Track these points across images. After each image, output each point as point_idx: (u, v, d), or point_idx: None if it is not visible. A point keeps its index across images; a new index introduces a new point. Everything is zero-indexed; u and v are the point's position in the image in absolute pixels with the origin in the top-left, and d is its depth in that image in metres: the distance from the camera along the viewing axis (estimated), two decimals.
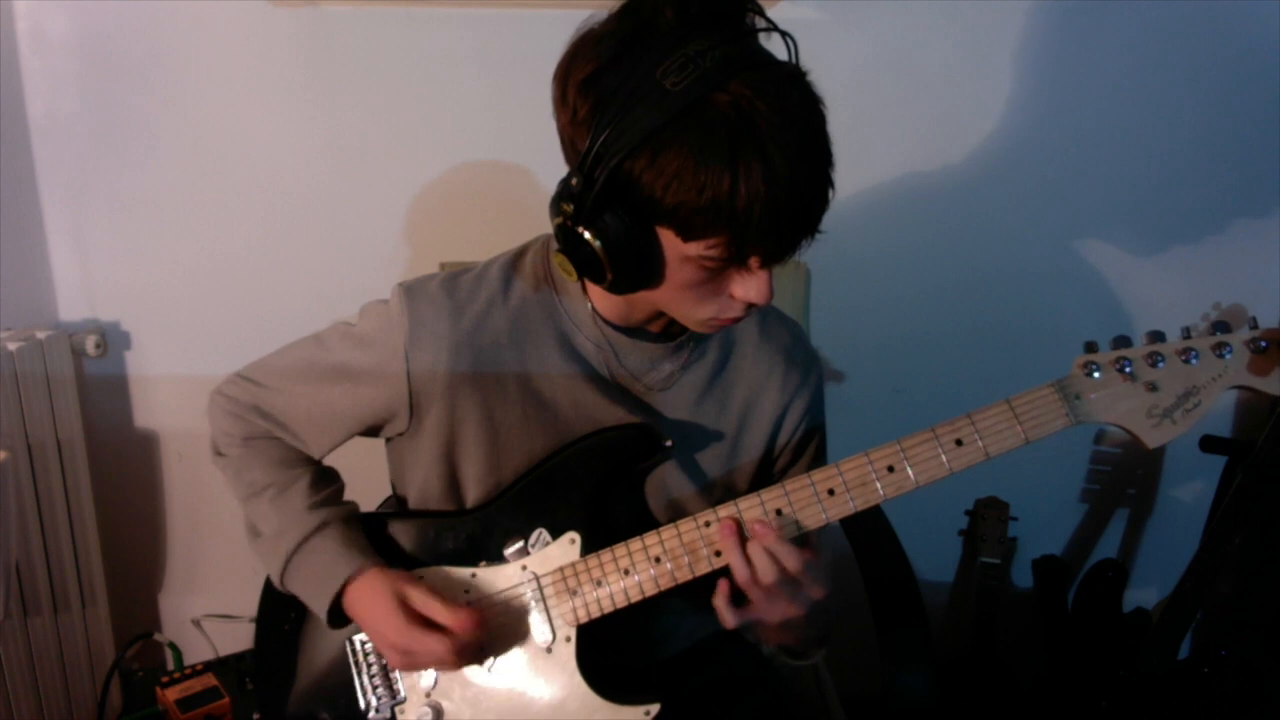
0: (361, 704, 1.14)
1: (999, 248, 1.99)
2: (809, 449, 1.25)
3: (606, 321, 1.13)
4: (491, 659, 1.11)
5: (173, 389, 2.02)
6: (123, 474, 2.06)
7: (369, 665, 1.15)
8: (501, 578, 1.11)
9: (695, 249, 0.94)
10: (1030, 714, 2.00)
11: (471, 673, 1.12)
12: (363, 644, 1.16)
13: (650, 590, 1.07)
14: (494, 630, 1.10)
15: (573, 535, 1.10)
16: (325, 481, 1.19)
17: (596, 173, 0.91)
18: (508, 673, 1.10)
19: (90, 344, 1.90)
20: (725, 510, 1.06)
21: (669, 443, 1.11)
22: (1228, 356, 0.97)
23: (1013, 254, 1.99)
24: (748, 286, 0.98)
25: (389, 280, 1.17)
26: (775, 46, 0.95)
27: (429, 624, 1.06)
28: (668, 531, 1.07)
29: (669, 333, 1.15)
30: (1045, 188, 1.95)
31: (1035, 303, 2.02)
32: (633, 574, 1.08)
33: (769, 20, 0.94)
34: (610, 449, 1.12)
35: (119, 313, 1.98)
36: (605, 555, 1.09)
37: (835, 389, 1.29)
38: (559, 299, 1.13)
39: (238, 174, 1.90)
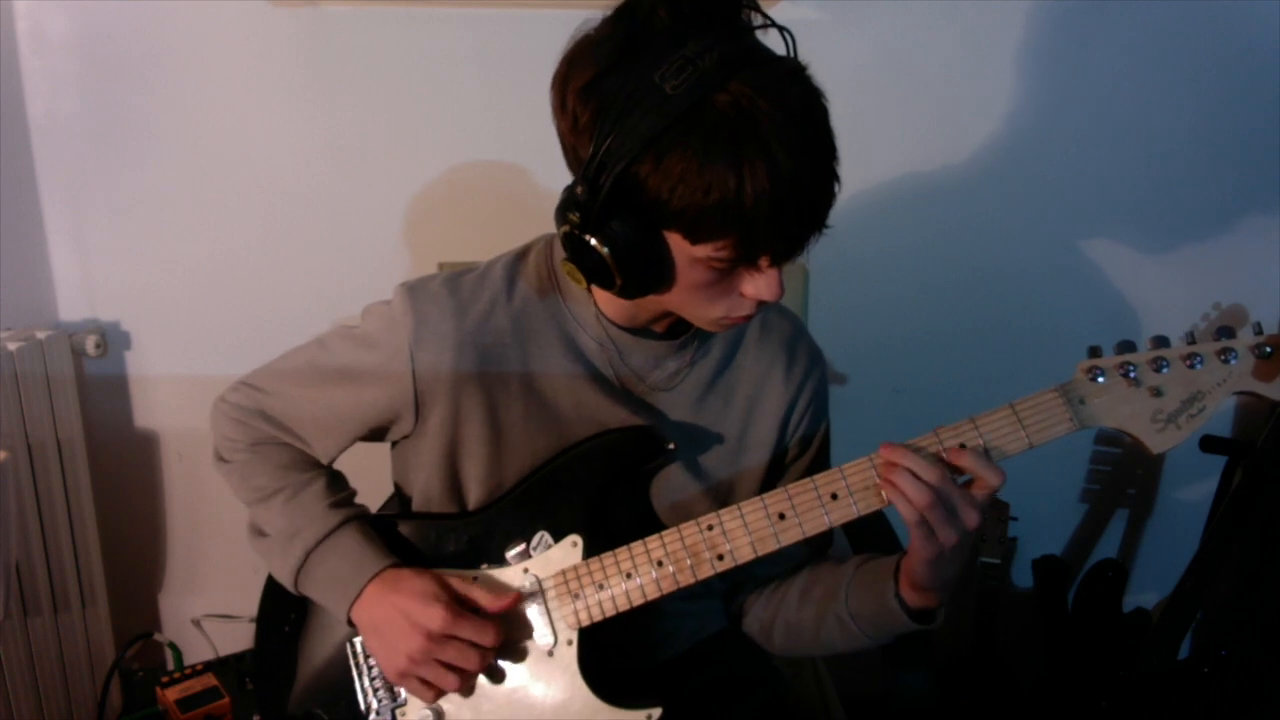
0: (362, 705, 1.14)
1: (999, 248, 1.99)
2: (815, 441, 1.24)
3: (611, 321, 1.13)
4: (493, 661, 1.11)
5: (173, 389, 2.02)
6: (123, 474, 2.06)
7: (370, 667, 1.15)
8: (503, 581, 1.11)
9: (704, 251, 0.93)
10: (1030, 714, 2.00)
11: None
12: (363, 645, 1.15)
13: (652, 593, 1.07)
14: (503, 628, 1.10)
15: (575, 538, 1.10)
16: (339, 485, 1.19)
17: (601, 180, 0.91)
18: (509, 676, 1.10)
19: (90, 344, 1.89)
20: (728, 514, 1.05)
21: (672, 445, 1.11)
22: (1232, 362, 0.97)
23: (1013, 254, 2.00)
24: (758, 285, 0.98)
25: (388, 280, 1.16)
26: (775, 44, 0.94)
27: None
28: (670, 534, 1.07)
29: (673, 331, 1.15)
30: (1045, 187, 1.95)
31: (1035, 303, 2.02)
32: (635, 577, 1.08)
33: (766, 16, 0.94)
34: (613, 452, 1.12)
35: (119, 313, 1.98)
36: (607, 558, 1.08)
37: (835, 389, 1.29)
38: (563, 299, 1.13)
39: (238, 174, 1.90)
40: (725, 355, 1.19)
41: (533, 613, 1.09)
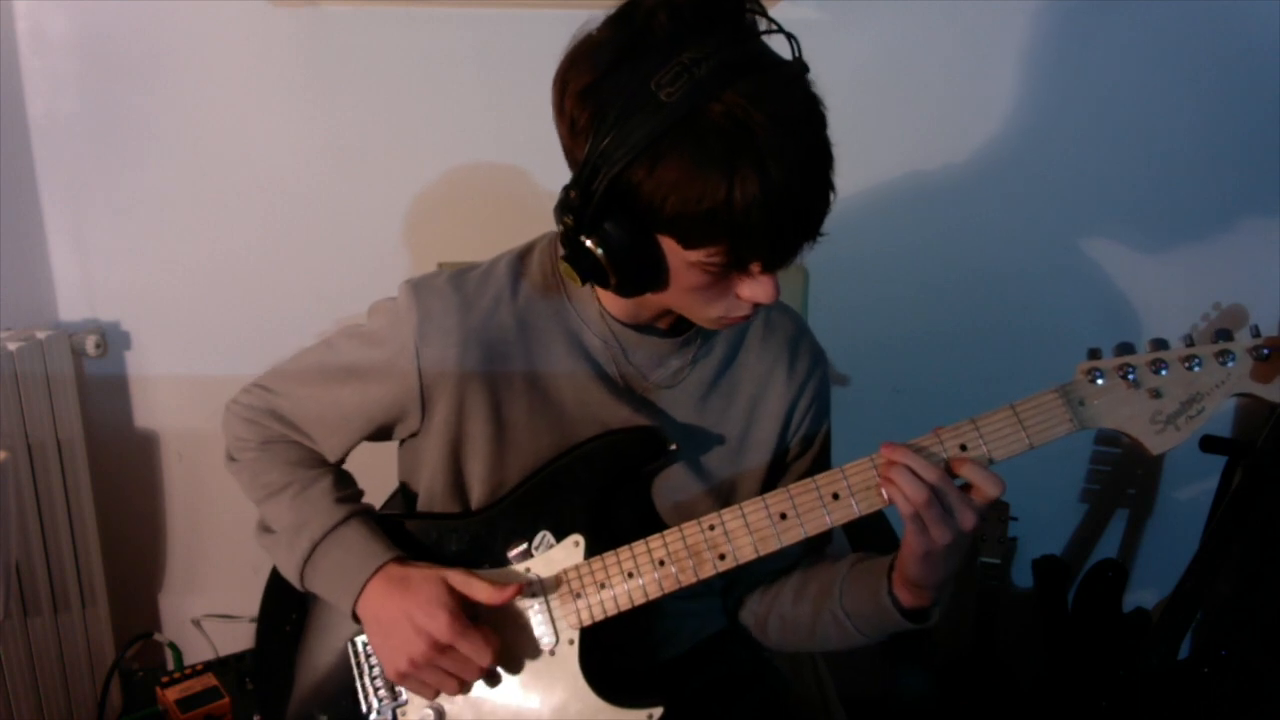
0: (363, 706, 1.14)
1: (999, 248, 1.99)
2: (817, 440, 1.25)
3: (614, 318, 1.13)
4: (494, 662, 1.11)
5: (173, 389, 2.02)
6: (123, 474, 2.06)
7: (370, 666, 1.15)
8: (505, 580, 1.11)
9: (697, 256, 0.94)
10: (1030, 714, 2.00)
11: None
12: (364, 645, 1.15)
13: (654, 593, 1.08)
14: (497, 633, 1.10)
15: (577, 538, 1.10)
16: (346, 483, 1.19)
17: (595, 183, 0.91)
18: (511, 676, 1.10)
19: (90, 344, 1.89)
20: (729, 514, 1.06)
21: (674, 446, 1.12)
22: (1230, 364, 0.97)
23: (1013, 254, 2.00)
24: (754, 288, 0.98)
25: (388, 280, 1.16)
26: (779, 44, 0.94)
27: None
28: (672, 534, 1.07)
29: (677, 328, 1.15)
30: (1045, 187, 1.95)
31: (1035, 303, 2.02)
32: (636, 577, 1.08)
33: (771, 20, 0.94)
34: (615, 453, 1.12)
35: (119, 313, 1.98)
36: (609, 558, 1.09)
37: (835, 389, 1.29)
38: (566, 296, 1.14)
39: (238, 174, 1.90)
40: (728, 353, 1.19)
41: (534, 612, 1.10)
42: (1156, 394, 0.98)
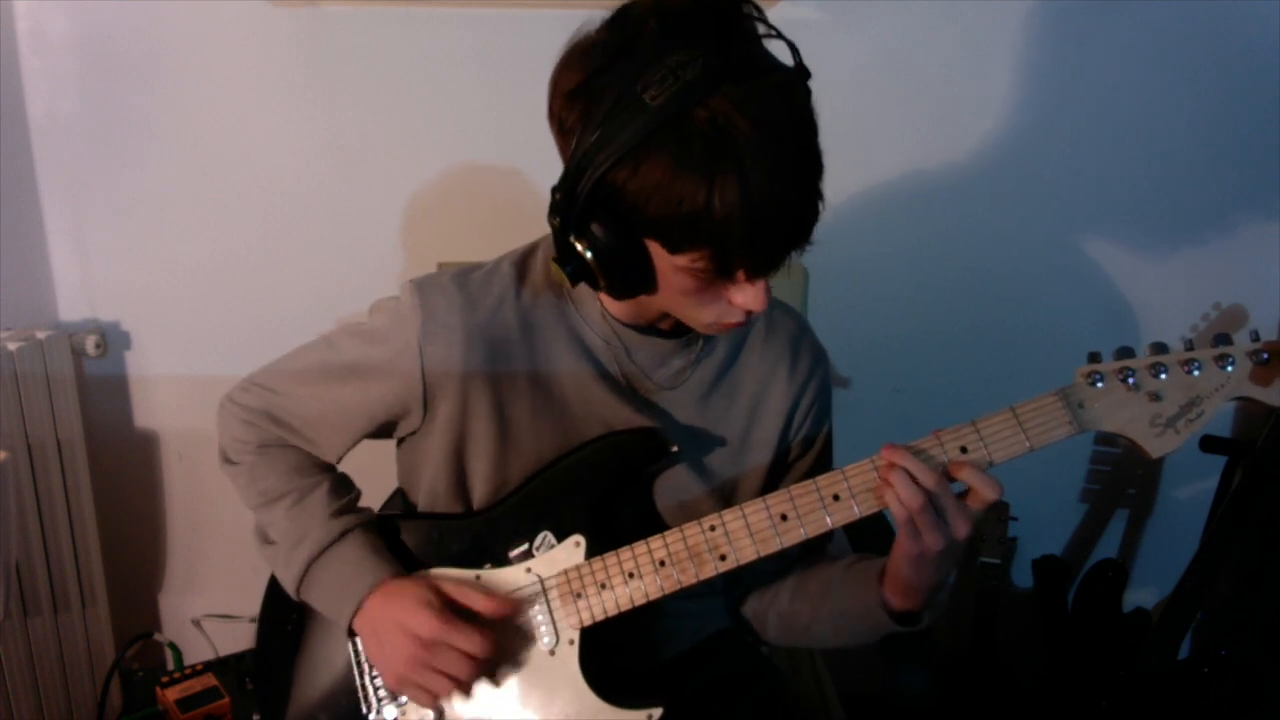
0: (363, 706, 1.14)
1: (999, 248, 1.99)
2: (818, 441, 1.25)
3: (616, 319, 1.13)
4: (491, 665, 1.11)
5: (173, 389, 2.02)
6: (123, 474, 2.06)
7: (371, 667, 1.15)
8: (506, 580, 1.11)
9: (683, 260, 0.94)
10: (1030, 714, 2.00)
11: None
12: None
13: (655, 594, 1.08)
14: (498, 633, 1.10)
15: (578, 538, 1.10)
16: (344, 489, 1.19)
17: (581, 184, 0.91)
18: (511, 676, 1.10)
19: (90, 344, 1.89)
20: (730, 514, 1.06)
21: (675, 448, 1.12)
22: (1230, 368, 0.98)
23: (1012, 254, 2.00)
24: (745, 294, 0.98)
25: (388, 280, 1.17)
26: (780, 50, 0.94)
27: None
28: (672, 535, 1.07)
29: (679, 329, 1.15)
30: (1045, 188, 1.95)
31: (1035, 303, 2.02)
32: (637, 577, 1.08)
33: (769, 25, 0.93)
34: (617, 454, 1.12)
35: (119, 313, 1.98)
36: (610, 559, 1.09)
37: (836, 390, 1.29)
38: (569, 297, 1.14)
39: (238, 174, 1.90)
40: (730, 353, 1.19)
41: (535, 613, 1.10)
42: (1156, 397, 0.99)
